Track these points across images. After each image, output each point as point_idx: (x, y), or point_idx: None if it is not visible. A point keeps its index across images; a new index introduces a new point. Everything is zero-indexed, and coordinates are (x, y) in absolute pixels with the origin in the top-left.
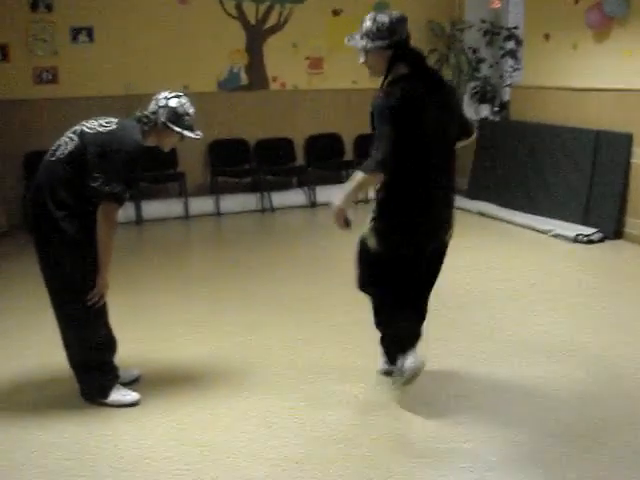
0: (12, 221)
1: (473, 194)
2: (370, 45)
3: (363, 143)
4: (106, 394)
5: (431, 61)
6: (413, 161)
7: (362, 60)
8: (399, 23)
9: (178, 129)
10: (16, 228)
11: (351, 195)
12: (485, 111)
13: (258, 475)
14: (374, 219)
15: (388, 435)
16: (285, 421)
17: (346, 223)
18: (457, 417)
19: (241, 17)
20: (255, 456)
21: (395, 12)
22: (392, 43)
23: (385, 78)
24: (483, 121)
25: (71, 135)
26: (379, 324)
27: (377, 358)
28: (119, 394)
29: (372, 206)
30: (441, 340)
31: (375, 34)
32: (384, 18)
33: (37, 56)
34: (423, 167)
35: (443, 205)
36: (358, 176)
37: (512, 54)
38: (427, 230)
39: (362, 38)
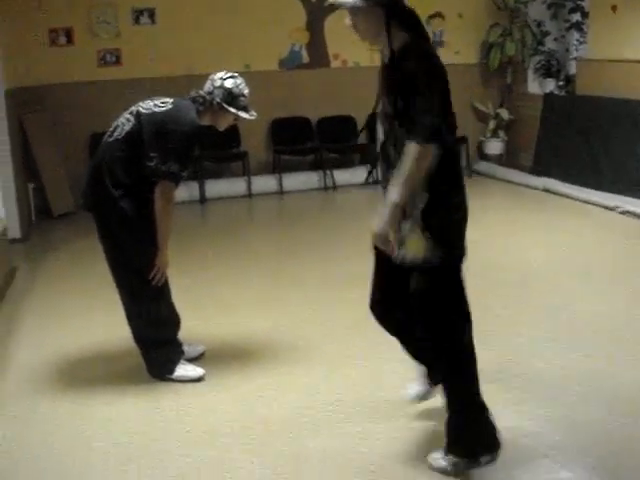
0: (79, 202)
1: (538, 170)
2: (362, 3)
3: None
4: (172, 370)
5: (494, 36)
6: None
7: (349, 22)
8: None
9: (233, 110)
10: (83, 208)
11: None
12: (550, 85)
13: (324, 449)
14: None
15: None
16: (348, 397)
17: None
18: (519, 396)
19: None
20: (318, 432)
21: None
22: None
23: (390, 43)
24: (548, 96)
25: (128, 116)
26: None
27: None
28: (184, 370)
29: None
30: (504, 318)
31: None
32: None
33: (101, 39)
34: (455, 148)
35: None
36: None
37: (578, 26)
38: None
39: None
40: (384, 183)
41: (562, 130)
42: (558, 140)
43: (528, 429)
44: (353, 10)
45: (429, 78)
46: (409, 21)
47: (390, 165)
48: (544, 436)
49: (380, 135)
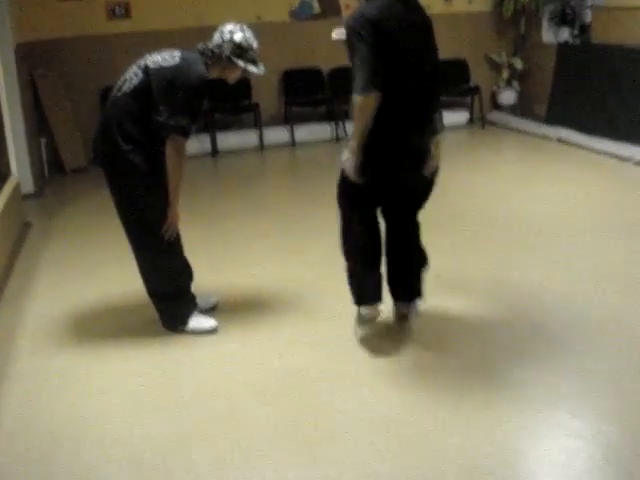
0: (91, 157)
1: (552, 120)
2: None
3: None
4: (185, 321)
5: None
6: (389, 86)
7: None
8: None
9: (242, 64)
10: (94, 164)
11: (358, 136)
12: (565, 34)
13: (335, 400)
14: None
15: (465, 363)
16: (362, 348)
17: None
18: (532, 347)
19: None
20: (333, 381)
21: None
22: None
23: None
24: (563, 45)
25: (136, 70)
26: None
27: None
28: (198, 321)
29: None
30: (518, 269)
31: None
32: None
33: None
34: (398, 93)
35: (418, 134)
36: (355, 105)
37: None
38: (403, 163)
39: None
40: None
41: (576, 80)
42: (572, 90)
43: (540, 379)
44: None
45: (357, 34)
46: None
47: None
48: (556, 386)
49: None
